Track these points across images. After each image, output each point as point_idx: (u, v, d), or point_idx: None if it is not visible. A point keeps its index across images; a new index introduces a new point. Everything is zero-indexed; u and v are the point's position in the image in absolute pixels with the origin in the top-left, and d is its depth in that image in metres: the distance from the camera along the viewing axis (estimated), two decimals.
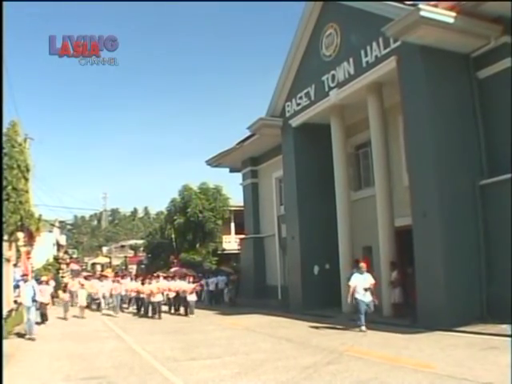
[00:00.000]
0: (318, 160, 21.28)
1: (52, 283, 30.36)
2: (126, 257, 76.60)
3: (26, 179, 20.59)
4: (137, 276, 31.49)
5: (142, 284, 23.27)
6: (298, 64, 21.63)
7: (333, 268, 20.07)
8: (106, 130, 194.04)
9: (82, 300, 22.44)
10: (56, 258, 48.42)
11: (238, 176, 32.17)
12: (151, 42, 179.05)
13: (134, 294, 24.47)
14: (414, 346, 11.05)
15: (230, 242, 41.15)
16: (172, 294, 23.19)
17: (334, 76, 19.14)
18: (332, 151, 19.92)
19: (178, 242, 40.58)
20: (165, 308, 23.56)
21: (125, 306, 26.24)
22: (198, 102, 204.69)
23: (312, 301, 20.24)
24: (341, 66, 18.66)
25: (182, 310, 23.03)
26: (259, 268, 28.85)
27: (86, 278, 31.03)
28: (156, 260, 45.11)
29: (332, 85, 19.26)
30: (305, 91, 21.05)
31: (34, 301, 15.41)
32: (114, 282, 26.02)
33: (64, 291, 23.35)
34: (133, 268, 60.06)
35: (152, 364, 10.54)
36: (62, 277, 42.16)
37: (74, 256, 76.96)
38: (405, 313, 15.39)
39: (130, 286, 25.05)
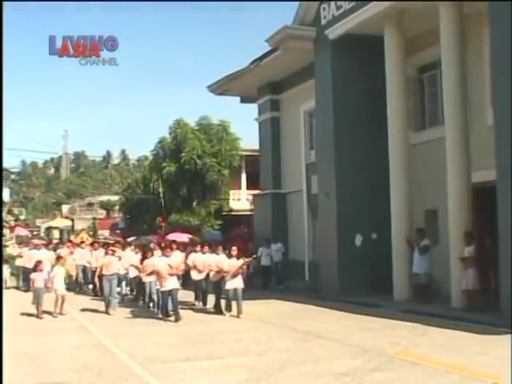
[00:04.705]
0: (364, 87, 21.13)
1: None
2: (94, 218, 77.04)
3: None
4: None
5: (144, 259, 19.66)
6: None
7: (382, 239, 20.13)
8: None
9: (60, 285, 18.45)
10: None
11: (253, 108, 32.17)
12: None
13: (132, 275, 21.69)
14: (494, 351, 10.98)
15: (240, 200, 41.38)
16: (216, 277, 18.59)
17: None
18: (385, 74, 19.68)
19: (168, 198, 40.61)
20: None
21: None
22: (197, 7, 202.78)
23: (352, 283, 20.34)
24: None
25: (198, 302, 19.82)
26: (279, 237, 28.92)
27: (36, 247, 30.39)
28: (137, 223, 45.40)
29: None
30: None
31: None
32: (106, 253, 21.32)
33: (35, 270, 18.92)
34: (104, 234, 60.56)
35: (128, 366, 10.64)
36: (5, 246, 42.52)
37: (22, 217, 77.83)
38: (482, 304, 15.39)
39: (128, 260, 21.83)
